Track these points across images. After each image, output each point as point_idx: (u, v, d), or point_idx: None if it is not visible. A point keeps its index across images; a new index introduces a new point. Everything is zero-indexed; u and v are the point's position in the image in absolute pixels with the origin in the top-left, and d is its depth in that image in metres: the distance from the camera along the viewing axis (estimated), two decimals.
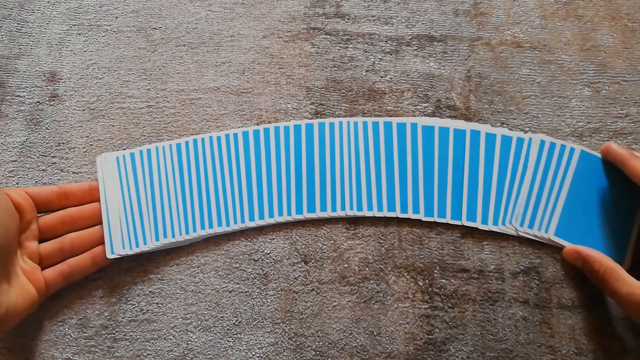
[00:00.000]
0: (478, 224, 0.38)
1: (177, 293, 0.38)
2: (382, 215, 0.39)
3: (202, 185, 0.39)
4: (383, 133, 0.40)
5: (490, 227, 0.38)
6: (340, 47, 0.44)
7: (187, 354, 0.37)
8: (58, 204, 0.38)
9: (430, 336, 0.37)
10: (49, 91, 0.43)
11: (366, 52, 0.44)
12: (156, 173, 0.40)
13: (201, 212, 0.39)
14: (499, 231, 0.38)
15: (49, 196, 0.37)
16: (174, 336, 0.37)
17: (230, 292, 0.38)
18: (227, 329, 0.37)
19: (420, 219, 0.39)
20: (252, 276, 0.38)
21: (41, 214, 0.38)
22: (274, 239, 0.39)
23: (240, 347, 0.37)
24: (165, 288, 0.38)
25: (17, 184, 0.41)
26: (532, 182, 0.39)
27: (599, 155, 0.39)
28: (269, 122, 0.42)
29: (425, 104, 0.42)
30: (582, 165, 0.39)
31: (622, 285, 0.33)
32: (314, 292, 0.38)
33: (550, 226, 0.38)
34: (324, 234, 0.39)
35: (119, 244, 0.38)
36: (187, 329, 0.37)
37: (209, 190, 0.39)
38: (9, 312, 0.32)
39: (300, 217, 0.39)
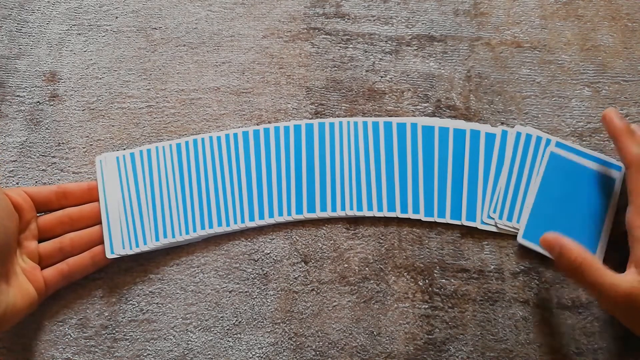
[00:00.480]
0: (478, 224, 0.38)
1: (177, 293, 0.38)
2: (382, 215, 0.39)
3: (202, 185, 0.39)
4: (383, 133, 0.40)
5: (478, 224, 0.38)
6: (340, 47, 0.44)
7: (187, 354, 0.37)
8: (57, 204, 0.38)
9: (430, 336, 0.37)
10: (49, 91, 0.43)
11: (366, 52, 0.44)
12: (156, 173, 0.40)
13: (201, 212, 0.39)
14: (495, 230, 0.38)
15: (48, 196, 0.37)
16: (174, 336, 0.37)
17: (230, 292, 0.38)
18: (227, 329, 0.37)
19: (420, 219, 0.39)
20: (252, 276, 0.38)
21: (40, 214, 0.38)
22: (274, 239, 0.39)
23: (240, 347, 0.37)
24: (165, 288, 0.38)
25: (17, 184, 0.41)
26: (509, 174, 0.39)
27: (574, 146, 0.39)
28: (269, 122, 0.42)
29: (425, 104, 0.42)
30: (556, 158, 0.39)
31: (603, 276, 0.32)
32: (314, 292, 0.38)
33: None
34: (324, 234, 0.39)
35: (118, 244, 0.38)
36: (187, 329, 0.37)
37: (209, 190, 0.39)
38: (8, 312, 0.32)
39: (300, 217, 0.39)
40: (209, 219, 0.39)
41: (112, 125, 0.42)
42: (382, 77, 0.43)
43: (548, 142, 0.39)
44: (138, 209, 0.39)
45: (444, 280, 0.38)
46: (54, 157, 0.41)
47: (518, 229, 0.38)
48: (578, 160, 0.38)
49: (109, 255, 0.37)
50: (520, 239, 0.37)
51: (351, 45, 0.44)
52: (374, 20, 0.45)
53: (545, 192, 0.38)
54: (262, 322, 0.37)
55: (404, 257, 0.38)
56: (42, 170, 0.41)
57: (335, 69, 0.43)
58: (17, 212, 0.35)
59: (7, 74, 0.44)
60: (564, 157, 0.39)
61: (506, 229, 0.38)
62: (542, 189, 0.38)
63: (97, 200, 0.39)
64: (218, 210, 0.39)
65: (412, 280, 0.38)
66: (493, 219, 0.38)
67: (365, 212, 0.39)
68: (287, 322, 0.37)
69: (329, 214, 0.39)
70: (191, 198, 0.39)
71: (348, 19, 0.45)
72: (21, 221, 0.36)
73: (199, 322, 0.37)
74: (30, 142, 0.42)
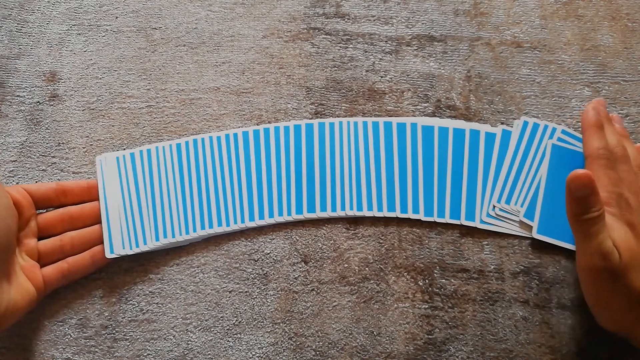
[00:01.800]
0: (477, 224, 0.38)
1: (177, 293, 0.38)
2: (382, 215, 0.39)
3: (202, 185, 0.39)
4: (383, 133, 0.40)
5: (477, 224, 0.38)
6: (340, 47, 0.44)
7: (187, 354, 0.37)
8: (57, 201, 0.38)
9: (430, 336, 0.37)
10: (49, 91, 0.43)
11: (366, 52, 0.44)
12: (156, 173, 0.40)
13: (201, 212, 0.39)
14: (497, 230, 0.38)
15: (47, 193, 0.37)
16: (174, 336, 0.37)
17: (230, 292, 0.38)
18: (227, 329, 0.37)
19: (420, 219, 0.39)
20: (252, 276, 0.38)
21: (39, 211, 0.38)
22: (274, 239, 0.39)
23: (240, 347, 0.37)
24: (165, 288, 0.38)
25: (17, 183, 0.41)
26: (511, 162, 0.39)
27: (577, 134, 0.40)
28: (269, 122, 0.42)
29: (425, 104, 0.42)
30: (558, 149, 0.39)
31: (603, 235, 0.31)
32: (314, 292, 0.38)
33: (524, 205, 0.38)
34: (324, 234, 0.39)
35: (118, 244, 0.38)
36: (187, 329, 0.37)
37: (208, 190, 0.39)
38: (8, 310, 0.32)
39: (300, 217, 0.39)
40: (209, 219, 0.39)
41: (112, 125, 0.42)
42: (382, 77, 0.43)
43: (554, 130, 0.39)
44: (138, 209, 0.39)
45: (444, 280, 0.38)
46: (54, 157, 0.41)
47: (515, 212, 0.38)
48: (581, 149, 0.38)
49: (109, 255, 0.37)
50: (535, 234, 0.37)
51: (351, 45, 0.44)
52: (374, 20, 0.45)
53: (553, 185, 0.38)
54: (262, 322, 0.37)
55: (404, 257, 0.38)
56: (42, 170, 0.41)
57: (335, 69, 0.43)
58: (17, 209, 0.35)
59: (7, 74, 0.44)
60: (565, 147, 0.39)
61: (507, 215, 0.38)
62: (549, 181, 0.38)
63: (97, 198, 0.39)
64: (218, 210, 0.39)
65: (412, 280, 0.38)
66: (495, 210, 0.38)
67: (365, 212, 0.39)
68: (287, 322, 0.37)
69: (329, 214, 0.39)
70: (191, 198, 0.39)
71: (348, 19, 0.45)
72: (21, 219, 0.36)
73: (199, 322, 0.37)
74: (30, 142, 0.42)
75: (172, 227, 0.39)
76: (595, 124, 0.37)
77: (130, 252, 0.38)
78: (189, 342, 0.37)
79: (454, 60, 0.43)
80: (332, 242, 0.39)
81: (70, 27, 0.45)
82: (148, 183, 0.39)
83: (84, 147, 0.41)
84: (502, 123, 0.41)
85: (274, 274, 0.38)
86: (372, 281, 0.38)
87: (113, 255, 0.38)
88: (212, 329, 0.37)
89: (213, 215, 0.39)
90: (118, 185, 0.39)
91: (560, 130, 0.39)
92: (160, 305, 0.38)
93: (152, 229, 0.39)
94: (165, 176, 0.40)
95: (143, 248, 0.38)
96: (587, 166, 0.36)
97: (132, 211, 0.39)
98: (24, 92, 0.43)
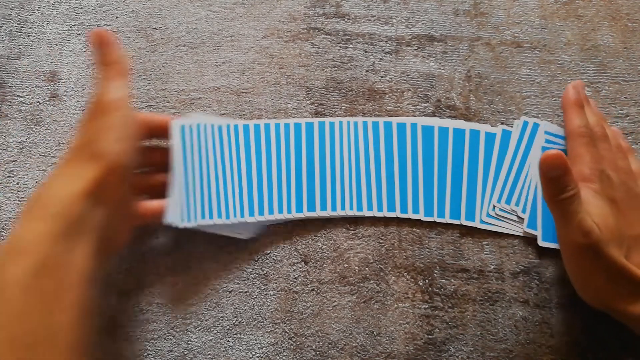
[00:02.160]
0: (477, 224, 0.38)
1: (177, 293, 0.38)
2: (382, 215, 0.39)
3: (204, 180, 0.39)
4: (383, 133, 0.40)
5: (477, 224, 0.38)
6: (340, 47, 0.44)
7: (187, 354, 0.37)
8: (149, 135, 0.38)
9: (430, 336, 0.37)
10: (49, 91, 0.43)
11: (366, 52, 0.44)
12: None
13: (202, 204, 0.39)
14: (497, 230, 0.38)
15: (158, 125, 0.38)
16: (174, 336, 0.37)
17: (230, 292, 0.38)
18: (227, 329, 0.37)
19: (420, 219, 0.39)
20: (252, 276, 0.38)
21: None
22: (274, 239, 0.39)
23: (240, 347, 0.37)
24: (165, 288, 0.38)
25: (17, 184, 0.41)
26: (511, 163, 0.39)
27: (561, 132, 0.40)
28: None
29: (425, 104, 0.42)
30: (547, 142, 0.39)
31: (582, 214, 0.31)
32: (314, 292, 0.38)
33: (528, 202, 0.38)
34: (324, 234, 0.39)
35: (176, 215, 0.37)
36: (187, 329, 0.37)
37: (210, 182, 0.39)
38: (129, 238, 0.35)
39: (300, 215, 0.39)
40: (209, 212, 0.39)
41: None
42: (382, 77, 0.43)
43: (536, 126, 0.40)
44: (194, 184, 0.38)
45: (444, 280, 0.38)
46: (54, 157, 0.41)
47: (523, 218, 0.38)
48: None
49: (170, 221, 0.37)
50: (541, 243, 0.37)
51: (351, 45, 0.44)
52: (374, 20, 0.45)
53: None
54: (262, 322, 0.37)
55: (404, 257, 0.38)
56: (42, 170, 0.41)
57: (335, 69, 0.43)
58: None
59: (7, 74, 0.44)
60: (555, 148, 0.39)
61: (507, 215, 0.38)
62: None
63: None
64: (218, 204, 0.39)
65: (412, 280, 0.38)
66: (495, 210, 0.38)
67: (365, 212, 0.39)
68: (287, 322, 0.37)
69: (329, 213, 0.39)
70: (193, 189, 0.39)
71: (348, 19, 0.45)
72: None
73: (199, 322, 0.37)
74: (30, 142, 0.42)
75: (196, 211, 0.38)
76: (576, 103, 0.37)
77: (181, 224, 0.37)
78: (189, 342, 0.37)
79: (454, 60, 0.43)
80: (332, 242, 0.39)
81: (70, 27, 0.45)
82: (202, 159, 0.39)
83: None
84: (502, 123, 0.41)
85: (274, 274, 0.38)
86: (372, 281, 0.38)
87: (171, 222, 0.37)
88: (212, 329, 0.37)
89: (214, 210, 0.39)
90: (181, 155, 0.38)
91: (543, 130, 0.39)
92: (160, 305, 0.38)
93: (212, 205, 0.39)
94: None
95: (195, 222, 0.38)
96: (568, 144, 0.36)
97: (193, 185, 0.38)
98: (24, 92, 0.43)
